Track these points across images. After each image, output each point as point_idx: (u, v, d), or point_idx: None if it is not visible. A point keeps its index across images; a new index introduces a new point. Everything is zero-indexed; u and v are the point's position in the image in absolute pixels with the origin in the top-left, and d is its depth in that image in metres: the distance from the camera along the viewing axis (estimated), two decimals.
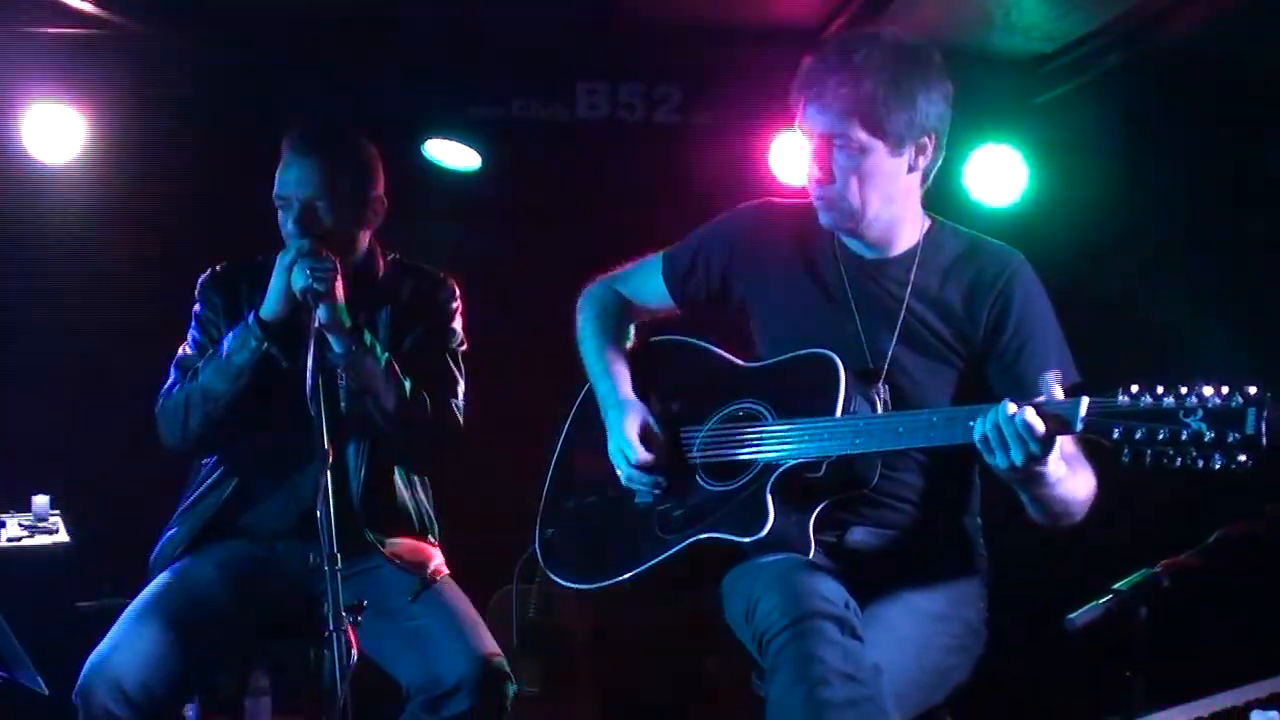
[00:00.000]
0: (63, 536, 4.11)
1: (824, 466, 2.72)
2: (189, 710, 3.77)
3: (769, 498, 2.72)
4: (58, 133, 4.76)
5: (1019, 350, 2.79)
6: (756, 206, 3.12)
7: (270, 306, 3.24)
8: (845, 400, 2.72)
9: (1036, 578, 4.03)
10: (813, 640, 2.51)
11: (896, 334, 2.85)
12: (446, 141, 5.19)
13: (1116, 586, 2.68)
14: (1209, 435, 2.21)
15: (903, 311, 2.85)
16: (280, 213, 3.34)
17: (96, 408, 5.11)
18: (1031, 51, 4.82)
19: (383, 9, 4.72)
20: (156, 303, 5.09)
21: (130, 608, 3.19)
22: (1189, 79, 4.43)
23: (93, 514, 4.60)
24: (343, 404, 3.25)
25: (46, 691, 2.90)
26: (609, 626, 5.20)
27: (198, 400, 3.27)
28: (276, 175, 3.34)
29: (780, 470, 2.74)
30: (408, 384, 3.30)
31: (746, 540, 2.73)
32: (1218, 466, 2.21)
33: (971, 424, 2.50)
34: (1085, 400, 2.36)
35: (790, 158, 4.95)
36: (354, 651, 2.72)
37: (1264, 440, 2.18)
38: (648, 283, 3.21)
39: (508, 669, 3.21)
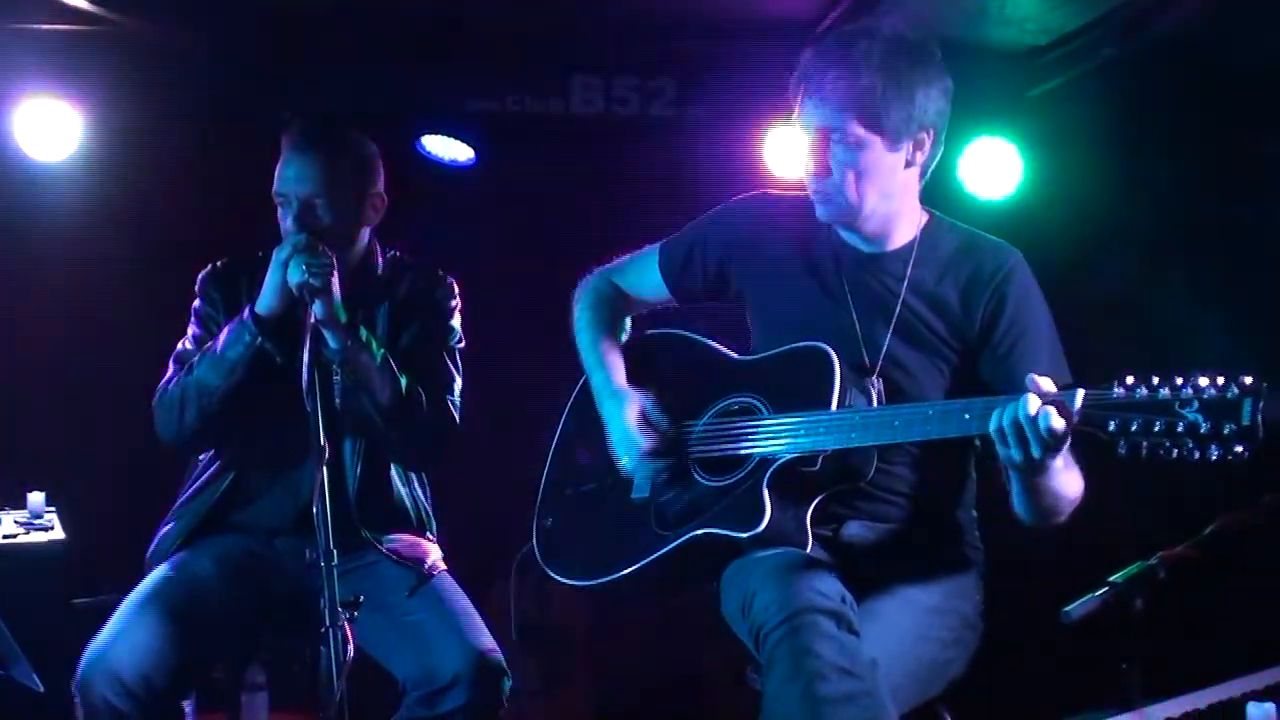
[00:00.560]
0: (58, 533, 4.12)
1: (820, 461, 2.72)
2: (186, 705, 3.77)
3: (765, 492, 2.72)
4: (52, 129, 4.75)
5: (1012, 346, 2.79)
6: (753, 198, 3.12)
7: (266, 301, 3.24)
8: (840, 394, 2.72)
9: (1033, 570, 4.03)
10: (809, 635, 2.51)
11: (892, 328, 2.85)
12: (441, 136, 5.19)
13: (1113, 579, 2.67)
14: (1205, 426, 2.21)
15: (899, 306, 2.85)
16: (279, 210, 3.34)
17: (91, 404, 5.11)
18: (1026, 44, 4.81)
19: (377, 4, 4.72)
20: (152, 299, 5.10)
21: (128, 600, 3.19)
22: (1184, 70, 4.42)
23: (88, 511, 4.61)
24: (338, 400, 3.25)
25: (42, 688, 2.90)
26: (606, 622, 5.21)
27: (193, 394, 3.27)
28: (276, 172, 3.34)
29: (776, 465, 2.74)
30: (404, 381, 3.30)
31: (744, 535, 2.72)
32: (1214, 458, 2.20)
33: (968, 416, 2.51)
34: (1080, 392, 2.36)
35: (786, 151, 4.95)
36: (351, 647, 2.72)
37: (1260, 431, 2.17)
38: (643, 275, 3.21)
39: (504, 664, 3.21)
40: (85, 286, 5.18)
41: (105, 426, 5.06)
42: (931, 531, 2.92)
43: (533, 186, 5.47)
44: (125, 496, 4.95)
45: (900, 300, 2.85)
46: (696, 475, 2.92)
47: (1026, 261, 2.89)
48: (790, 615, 2.53)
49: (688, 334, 3.17)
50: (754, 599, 2.62)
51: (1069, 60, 4.76)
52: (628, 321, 3.29)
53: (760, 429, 2.82)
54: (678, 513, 2.89)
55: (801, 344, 2.82)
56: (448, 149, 5.22)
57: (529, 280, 5.31)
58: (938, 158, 2.88)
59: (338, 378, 3.23)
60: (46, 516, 4.22)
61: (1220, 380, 2.22)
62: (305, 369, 2.95)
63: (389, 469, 3.47)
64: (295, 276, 3.13)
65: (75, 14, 4.62)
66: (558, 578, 3.08)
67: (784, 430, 2.76)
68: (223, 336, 3.26)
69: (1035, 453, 2.40)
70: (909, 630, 2.75)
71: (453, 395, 3.47)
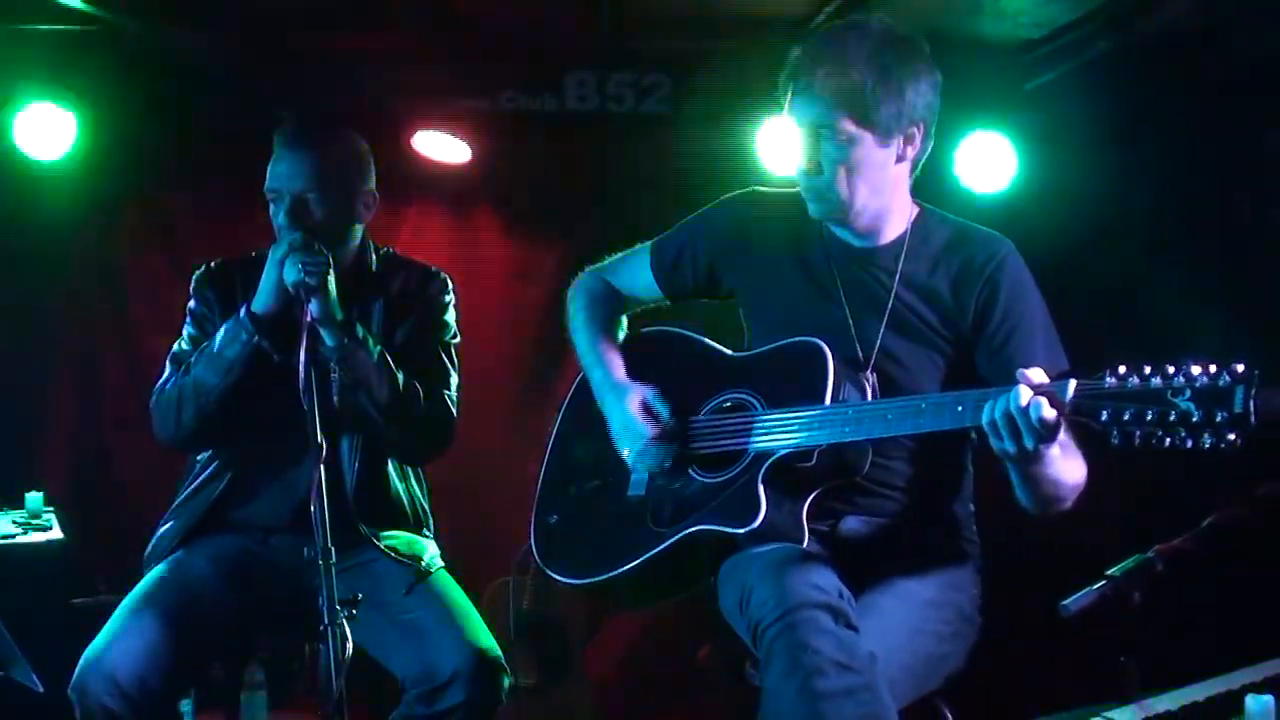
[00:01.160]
0: (57, 533, 4.13)
1: (815, 455, 2.72)
2: (185, 705, 3.78)
3: (761, 488, 2.72)
4: (49, 130, 4.76)
5: (1007, 336, 2.79)
6: (742, 196, 3.11)
7: (262, 300, 3.24)
8: (834, 389, 2.72)
9: (1030, 564, 4.04)
10: (807, 630, 2.50)
11: (885, 322, 2.85)
12: (435, 134, 5.19)
13: (1110, 572, 2.67)
14: (1197, 415, 2.21)
15: (891, 299, 2.85)
16: (271, 206, 3.34)
17: (89, 405, 5.12)
18: (1020, 38, 4.82)
19: (371, 2, 4.72)
20: (150, 300, 5.12)
21: (125, 602, 3.18)
22: (1178, 63, 4.43)
23: (87, 511, 4.62)
24: (336, 398, 3.25)
25: (41, 689, 2.90)
26: (605, 618, 5.22)
27: (190, 394, 3.27)
28: (268, 169, 3.34)
29: (771, 460, 2.74)
30: (401, 377, 3.30)
31: (740, 531, 2.72)
32: (1207, 446, 2.20)
33: (961, 409, 2.51)
34: (1073, 382, 2.36)
35: (779, 147, 4.95)
36: (349, 645, 2.73)
37: (1252, 419, 2.18)
38: (636, 273, 3.21)
39: (503, 661, 3.21)
40: (81, 285, 5.20)
41: (103, 427, 5.07)
42: (928, 525, 2.91)
43: (527, 184, 5.48)
44: (124, 497, 4.97)
45: (892, 294, 2.85)
46: (692, 472, 2.91)
47: (1020, 254, 2.89)
48: (787, 610, 2.53)
49: (682, 331, 3.16)
50: (751, 594, 2.62)
51: (1063, 54, 4.77)
52: (625, 319, 3.29)
53: (755, 425, 2.81)
54: (674, 509, 2.89)
55: (795, 339, 2.83)
56: (442, 147, 5.23)
57: (524, 278, 5.33)
58: (928, 152, 2.88)
59: (335, 375, 3.23)
60: (45, 516, 4.23)
61: (1212, 368, 2.22)
62: (302, 367, 2.94)
63: (387, 466, 3.47)
64: (291, 275, 3.13)
65: (70, 14, 4.63)
66: (556, 576, 3.07)
67: (778, 425, 2.76)
68: (220, 336, 3.26)
69: (1028, 444, 2.41)
70: (906, 624, 2.75)
71: (450, 391, 3.47)
